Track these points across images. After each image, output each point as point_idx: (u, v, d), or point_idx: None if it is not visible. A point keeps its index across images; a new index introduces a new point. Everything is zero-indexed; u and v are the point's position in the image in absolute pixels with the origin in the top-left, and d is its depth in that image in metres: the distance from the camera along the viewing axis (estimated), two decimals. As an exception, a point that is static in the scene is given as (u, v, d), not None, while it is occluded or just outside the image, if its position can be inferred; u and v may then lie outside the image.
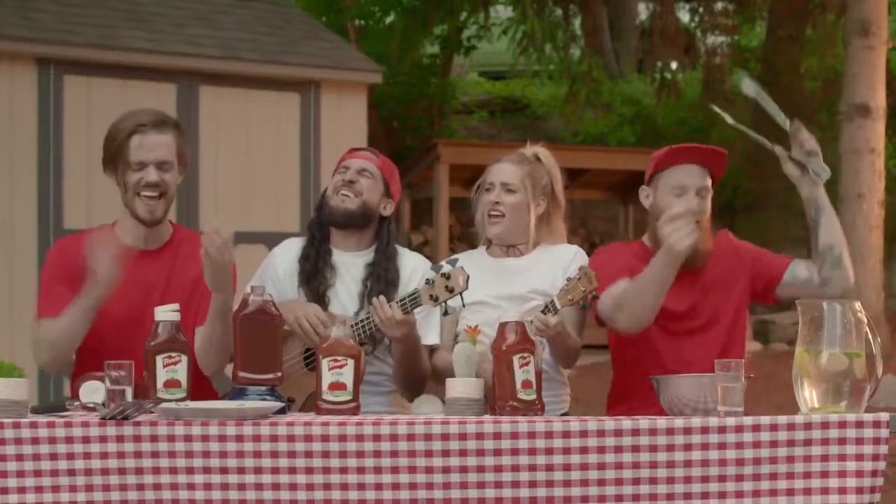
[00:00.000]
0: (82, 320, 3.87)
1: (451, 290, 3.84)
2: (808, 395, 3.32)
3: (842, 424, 3.23)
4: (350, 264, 4.35)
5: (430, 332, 4.26)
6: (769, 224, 16.61)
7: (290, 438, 3.26)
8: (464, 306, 3.96)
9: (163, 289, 4.05)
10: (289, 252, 4.44)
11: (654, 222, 4.16)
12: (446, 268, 3.88)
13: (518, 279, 4.30)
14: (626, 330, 4.06)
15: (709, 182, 4.19)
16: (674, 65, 18.97)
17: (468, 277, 3.83)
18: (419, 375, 4.18)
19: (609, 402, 4.36)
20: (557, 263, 4.32)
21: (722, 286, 4.21)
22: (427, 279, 3.88)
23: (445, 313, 3.95)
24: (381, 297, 3.98)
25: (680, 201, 4.13)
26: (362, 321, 4.05)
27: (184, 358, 3.54)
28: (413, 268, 4.35)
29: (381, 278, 4.27)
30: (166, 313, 3.57)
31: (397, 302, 3.94)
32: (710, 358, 3.97)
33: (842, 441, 3.23)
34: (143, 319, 3.88)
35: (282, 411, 3.52)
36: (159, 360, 3.52)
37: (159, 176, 4.02)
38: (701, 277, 4.20)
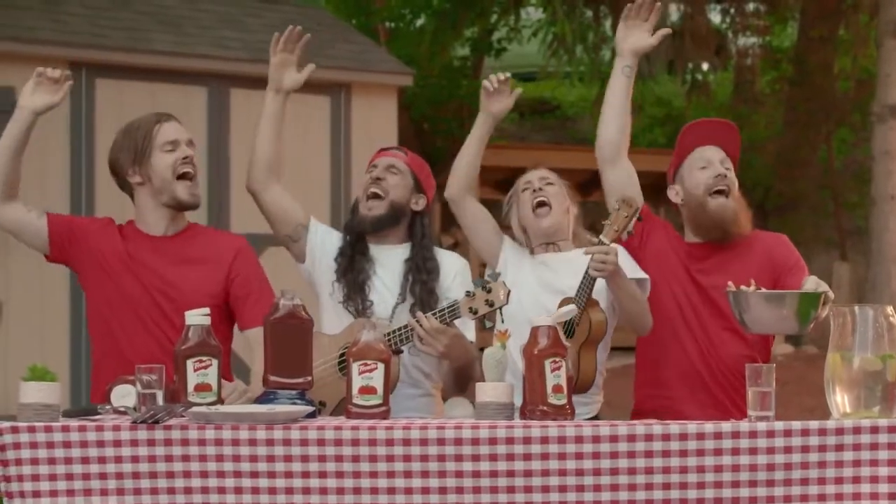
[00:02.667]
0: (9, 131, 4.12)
1: (491, 304, 3.82)
2: (840, 399, 3.31)
3: (874, 429, 3.22)
4: (387, 257, 4.36)
5: (468, 327, 4.25)
6: (801, 225, 16.52)
7: (321, 442, 3.26)
8: (503, 321, 3.95)
9: (183, 269, 4.15)
10: (333, 241, 4.45)
11: (690, 213, 4.32)
12: (488, 280, 3.86)
13: (560, 272, 4.34)
14: (606, 156, 4.36)
15: (722, 154, 4.32)
16: (705, 66, 18.90)
17: (509, 292, 3.82)
18: (469, 379, 4.20)
19: (637, 400, 4.37)
20: None
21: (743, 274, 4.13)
22: (467, 291, 3.86)
23: (484, 327, 3.94)
24: (419, 314, 3.98)
25: (708, 171, 4.26)
26: (399, 330, 4.05)
27: (214, 362, 3.55)
28: (449, 266, 4.35)
29: (421, 269, 4.29)
30: (197, 317, 3.57)
31: (435, 313, 3.94)
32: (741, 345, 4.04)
33: (874, 446, 3.21)
34: (159, 298, 4.08)
35: (312, 415, 3.52)
36: (190, 363, 3.52)
37: (192, 151, 4.19)
38: (730, 262, 4.23)
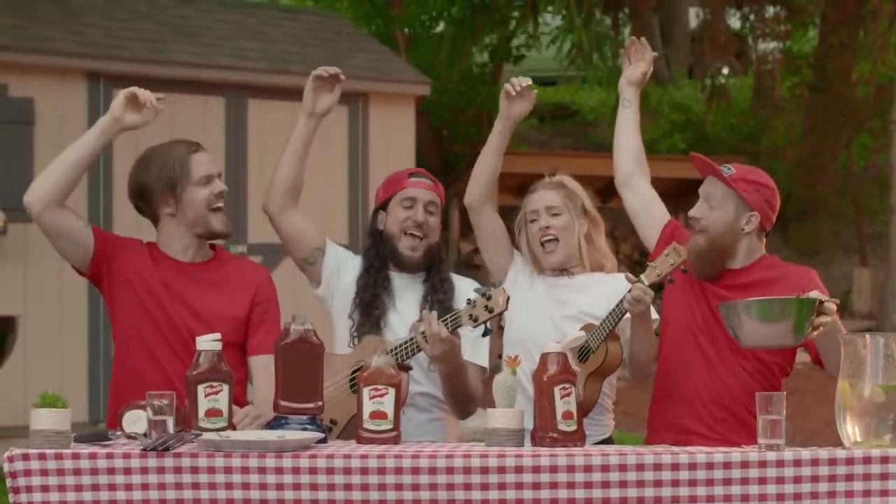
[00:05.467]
0: (94, 137, 4.10)
1: (490, 311, 3.85)
2: (851, 429, 3.29)
3: (884, 459, 3.20)
4: (407, 287, 4.36)
5: (480, 352, 4.26)
6: (821, 231, 16.49)
7: (330, 471, 3.25)
8: (501, 328, 3.97)
9: (211, 294, 4.16)
10: (353, 267, 4.45)
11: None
12: (488, 288, 3.89)
13: (574, 294, 4.35)
14: (620, 181, 4.49)
15: (709, 189, 4.19)
16: (725, 71, 18.86)
17: (508, 298, 3.84)
18: (466, 396, 4.19)
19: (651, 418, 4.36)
20: (610, 291, 4.27)
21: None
22: (468, 300, 3.89)
23: (485, 334, 3.95)
24: (433, 312, 3.99)
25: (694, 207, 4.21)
26: (406, 343, 4.05)
27: (225, 387, 3.55)
28: (466, 294, 4.34)
29: (438, 289, 4.32)
30: (208, 343, 3.58)
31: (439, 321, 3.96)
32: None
33: (884, 476, 3.20)
34: (187, 323, 4.08)
35: (322, 441, 3.52)
36: (201, 389, 3.53)
37: (223, 186, 4.20)
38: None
